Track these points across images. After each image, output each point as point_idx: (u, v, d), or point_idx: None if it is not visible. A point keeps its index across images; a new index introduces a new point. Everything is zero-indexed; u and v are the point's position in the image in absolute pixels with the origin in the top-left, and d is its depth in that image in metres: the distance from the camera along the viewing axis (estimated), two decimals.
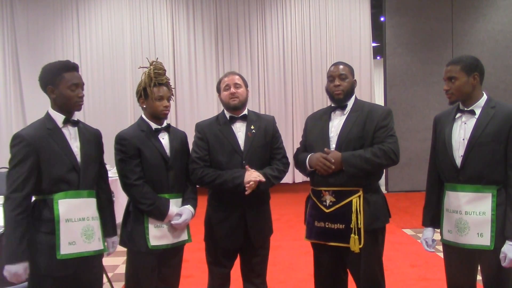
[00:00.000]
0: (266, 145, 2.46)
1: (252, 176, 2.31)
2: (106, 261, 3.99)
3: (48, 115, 2.03)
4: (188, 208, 2.33)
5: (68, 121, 2.03)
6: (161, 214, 2.23)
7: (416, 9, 7.99)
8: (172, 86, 2.43)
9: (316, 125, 2.43)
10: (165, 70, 2.34)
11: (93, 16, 8.07)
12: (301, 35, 8.37)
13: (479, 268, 2.14)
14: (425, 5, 7.98)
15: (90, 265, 2.05)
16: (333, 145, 2.30)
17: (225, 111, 2.50)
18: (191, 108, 8.18)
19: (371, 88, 8.49)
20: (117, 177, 2.35)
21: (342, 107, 2.35)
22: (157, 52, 7.96)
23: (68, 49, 8.00)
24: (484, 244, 2.03)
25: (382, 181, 2.47)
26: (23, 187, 1.87)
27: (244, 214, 2.38)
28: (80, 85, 2.02)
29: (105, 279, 3.45)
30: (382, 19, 8.56)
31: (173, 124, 7.77)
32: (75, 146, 2.04)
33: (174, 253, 2.33)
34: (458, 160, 2.09)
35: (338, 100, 2.34)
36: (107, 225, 2.20)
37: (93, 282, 2.09)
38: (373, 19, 8.59)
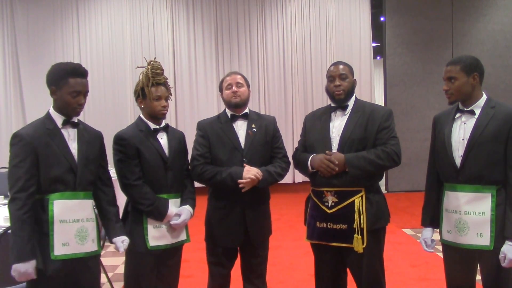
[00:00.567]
0: (267, 143, 2.47)
1: (250, 173, 2.31)
2: (106, 261, 4.00)
3: (48, 115, 2.03)
4: (187, 208, 2.33)
5: (68, 122, 2.03)
6: (160, 214, 2.23)
7: (416, 9, 7.99)
8: (171, 86, 2.43)
9: (315, 125, 2.42)
10: (163, 70, 2.32)
11: (93, 16, 8.07)
12: (301, 35, 8.36)
13: (478, 268, 2.14)
14: (425, 5, 7.98)
15: (86, 266, 2.04)
16: (334, 146, 2.30)
17: (227, 110, 2.53)
18: (191, 108, 8.17)
19: (371, 88, 8.48)
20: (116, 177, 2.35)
21: (343, 107, 2.35)
22: (157, 52, 7.96)
23: (68, 49, 7.99)
24: (484, 244, 2.03)
25: (382, 181, 2.46)
26: (28, 187, 1.88)
27: (243, 213, 2.38)
28: (82, 92, 2.02)
29: (105, 279, 3.46)
30: (382, 19, 8.55)
31: (173, 124, 7.83)
32: (73, 147, 2.03)
33: (173, 253, 2.33)
34: (458, 160, 2.09)
35: (339, 100, 2.34)
36: (114, 226, 2.16)
37: (90, 283, 2.08)
38: (373, 19, 8.58)
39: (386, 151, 2.23)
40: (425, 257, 4.05)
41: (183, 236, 2.36)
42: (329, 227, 2.27)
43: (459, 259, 2.15)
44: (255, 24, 8.34)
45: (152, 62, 2.30)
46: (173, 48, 8.14)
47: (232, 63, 8.27)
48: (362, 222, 2.20)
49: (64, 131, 2.02)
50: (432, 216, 2.26)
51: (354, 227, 2.20)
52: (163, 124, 2.35)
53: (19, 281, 1.90)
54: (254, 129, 2.46)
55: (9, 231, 2.07)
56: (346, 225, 2.22)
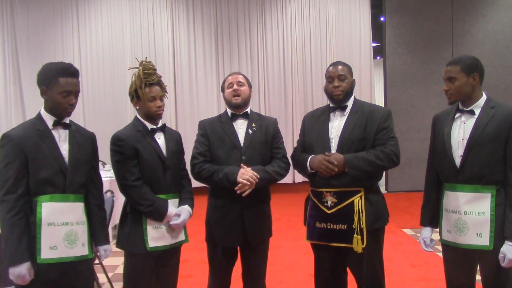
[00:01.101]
0: (267, 143, 2.47)
1: (244, 176, 2.29)
2: (106, 261, 3.99)
3: (39, 116, 2.00)
4: (186, 208, 2.32)
5: (59, 123, 2.00)
6: (160, 215, 2.21)
7: (416, 9, 7.99)
8: (171, 86, 2.41)
9: (314, 125, 2.42)
10: (155, 69, 2.28)
11: (93, 16, 8.07)
12: (301, 35, 8.36)
13: (478, 268, 2.14)
14: (425, 5, 7.98)
15: (77, 270, 2.00)
16: (333, 146, 2.30)
17: (227, 109, 2.53)
18: (191, 108, 8.17)
19: (371, 88, 8.48)
20: None
21: (342, 108, 2.35)
22: (157, 52, 7.96)
23: (68, 49, 7.99)
24: (483, 244, 2.03)
25: (382, 181, 2.47)
26: (16, 189, 1.85)
27: (242, 213, 2.38)
28: (73, 92, 1.97)
29: (105, 279, 3.46)
30: (382, 19, 8.55)
31: (173, 124, 7.83)
32: (64, 148, 1.99)
33: (171, 254, 2.32)
34: (457, 160, 2.09)
35: (338, 100, 2.33)
36: (99, 233, 2.14)
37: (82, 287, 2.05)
38: (373, 19, 8.58)
39: (385, 151, 2.23)
40: (425, 257, 4.05)
41: (181, 237, 2.34)
42: (328, 227, 2.27)
43: (458, 259, 2.15)
44: (255, 24, 8.34)
45: (143, 62, 2.26)
46: (173, 48, 8.13)
47: (232, 63, 8.27)
48: (361, 222, 2.20)
49: (54, 132, 1.99)
50: (431, 215, 2.26)
51: (354, 227, 2.20)
52: (160, 124, 2.33)
53: (17, 284, 1.88)
54: (254, 128, 2.46)
55: None
56: (345, 225, 2.22)
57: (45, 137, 1.95)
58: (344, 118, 2.33)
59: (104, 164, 6.02)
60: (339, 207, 2.25)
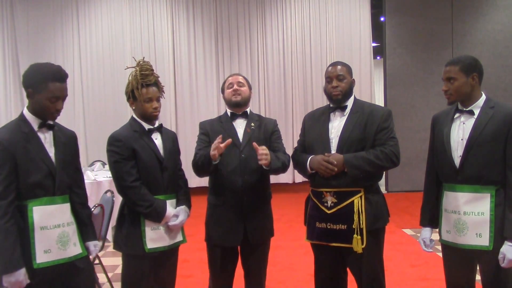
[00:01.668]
0: (265, 140, 2.47)
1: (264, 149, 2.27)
2: (106, 261, 4.00)
3: (23, 117, 1.94)
4: (184, 208, 2.32)
5: (43, 125, 1.96)
6: (159, 216, 2.20)
7: (416, 9, 7.99)
8: (169, 86, 2.41)
9: (314, 125, 2.42)
10: (152, 70, 2.27)
11: (93, 16, 8.07)
12: (301, 35, 8.36)
13: (478, 268, 2.14)
14: (425, 5, 7.97)
15: (75, 268, 2.00)
16: (333, 147, 2.30)
17: (227, 109, 2.55)
18: (191, 108, 8.17)
19: (371, 88, 8.48)
20: None
21: (342, 108, 2.35)
22: (157, 52, 7.97)
23: (68, 49, 7.99)
24: (483, 245, 2.03)
25: (382, 181, 2.47)
26: (7, 194, 1.81)
27: (242, 212, 2.38)
28: (61, 97, 1.92)
29: (105, 279, 3.46)
30: (382, 19, 8.55)
31: (173, 124, 7.84)
32: (50, 151, 1.96)
33: (169, 254, 2.32)
34: (457, 160, 2.09)
35: (336, 101, 2.34)
36: (87, 230, 2.12)
37: (83, 286, 2.05)
38: (373, 19, 8.58)
39: (385, 151, 2.23)
40: (425, 257, 4.05)
41: (179, 237, 2.34)
42: (328, 227, 2.27)
43: (458, 259, 2.15)
44: (255, 24, 8.34)
45: (141, 62, 2.25)
46: (173, 48, 8.13)
47: (232, 63, 8.28)
48: (361, 222, 2.20)
49: (40, 134, 1.95)
50: (431, 216, 2.26)
51: (354, 227, 2.20)
52: (157, 124, 2.31)
53: None
54: (253, 127, 2.48)
55: None
56: (345, 226, 2.22)
57: (31, 140, 1.90)
58: (344, 118, 2.33)
59: (104, 164, 6.04)
60: (339, 207, 2.25)
